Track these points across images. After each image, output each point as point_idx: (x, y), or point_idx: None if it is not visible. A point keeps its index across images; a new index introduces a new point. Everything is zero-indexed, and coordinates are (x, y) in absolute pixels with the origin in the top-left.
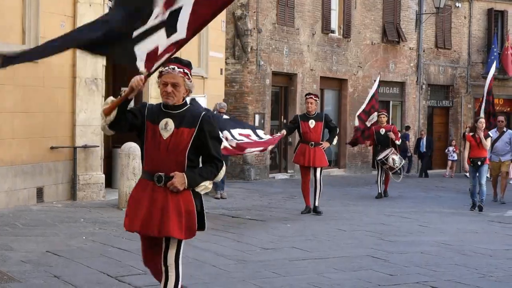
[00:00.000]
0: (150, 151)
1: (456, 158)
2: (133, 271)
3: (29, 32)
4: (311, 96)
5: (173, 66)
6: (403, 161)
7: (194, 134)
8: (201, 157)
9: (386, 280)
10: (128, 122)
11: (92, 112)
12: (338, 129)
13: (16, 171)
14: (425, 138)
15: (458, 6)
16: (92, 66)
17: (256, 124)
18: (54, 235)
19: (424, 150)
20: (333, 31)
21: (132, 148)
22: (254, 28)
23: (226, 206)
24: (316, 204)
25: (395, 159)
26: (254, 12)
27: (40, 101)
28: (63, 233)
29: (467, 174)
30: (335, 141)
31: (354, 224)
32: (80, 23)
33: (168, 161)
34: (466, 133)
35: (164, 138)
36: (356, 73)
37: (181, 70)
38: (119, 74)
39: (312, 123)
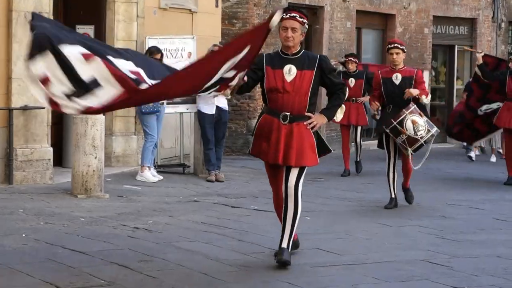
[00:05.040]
0: None
1: None
2: (91, 281)
3: None
4: (292, 13)
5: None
6: (434, 128)
7: None
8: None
9: None
10: None
11: None
12: (346, 90)
13: None
14: None
15: None
16: None
17: None
18: None
19: None
20: None
21: None
22: None
23: (223, 192)
24: None
25: (417, 122)
26: None
27: None
28: None
29: None
30: (339, 116)
31: (404, 217)
32: None
33: None
34: None
35: None
36: (407, 6)
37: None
38: (72, 7)
39: (289, 71)
